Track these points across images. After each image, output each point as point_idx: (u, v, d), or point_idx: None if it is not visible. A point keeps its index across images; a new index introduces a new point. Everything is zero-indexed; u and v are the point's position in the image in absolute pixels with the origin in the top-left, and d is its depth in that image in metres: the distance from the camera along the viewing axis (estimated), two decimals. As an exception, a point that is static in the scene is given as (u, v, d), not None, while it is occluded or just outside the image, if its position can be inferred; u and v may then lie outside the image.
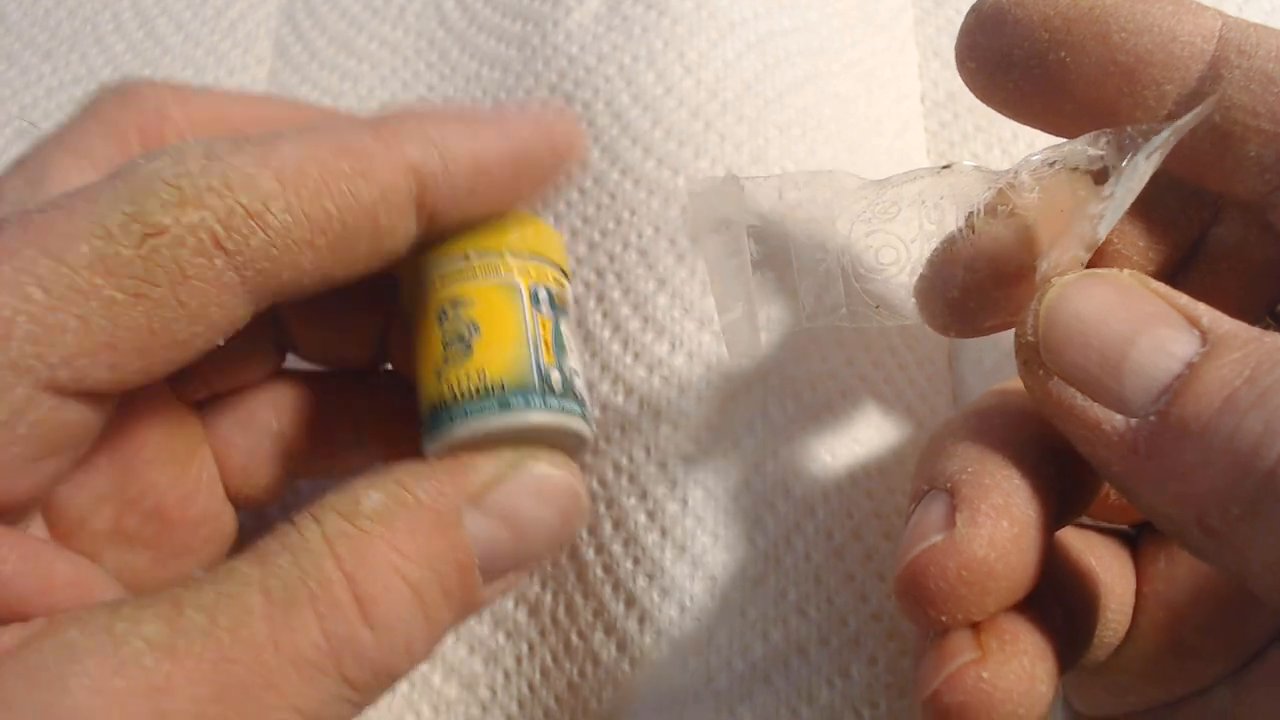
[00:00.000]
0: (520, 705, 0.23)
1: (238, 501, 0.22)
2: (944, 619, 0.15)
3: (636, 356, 0.22)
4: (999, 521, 0.15)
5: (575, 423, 0.17)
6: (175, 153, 0.16)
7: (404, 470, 0.17)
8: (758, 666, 0.20)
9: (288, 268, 0.16)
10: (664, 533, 0.21)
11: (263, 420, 0.22)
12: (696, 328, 0.22)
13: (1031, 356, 0.15)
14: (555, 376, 0.17)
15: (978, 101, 0.18)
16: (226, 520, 0.22)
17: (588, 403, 0.18)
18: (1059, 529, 0.17)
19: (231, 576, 0.15)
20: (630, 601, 0.21)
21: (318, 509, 0.16)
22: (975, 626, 0.15)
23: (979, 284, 0.16)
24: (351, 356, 0.22)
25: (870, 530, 0.21)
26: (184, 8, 0.33)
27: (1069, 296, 0.15)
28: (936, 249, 0.17)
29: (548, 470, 0.17)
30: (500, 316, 0.18)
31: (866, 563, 0.21)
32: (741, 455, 0.21)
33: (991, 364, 0.25)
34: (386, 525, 0.16)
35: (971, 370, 0.25)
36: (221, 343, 0.17)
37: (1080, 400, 0.14)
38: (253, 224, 0.15)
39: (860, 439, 0.22)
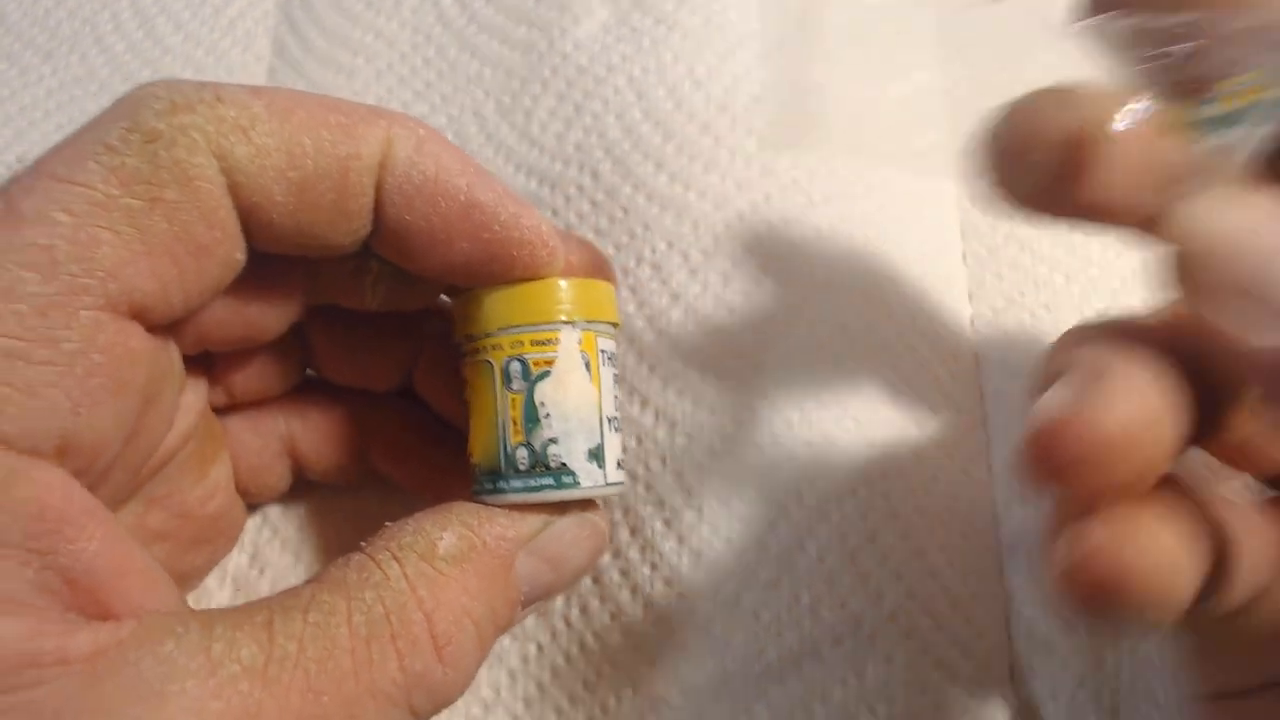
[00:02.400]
0: (527, 704, 0.24)
1: (245, 496, 0.24)
2: (1075, 490, 0.15)
3: (651, 369, 0.24)
4: (1132, 400, 0.15)
5: (541, 495, 0.19)
6: (168, 79, 0.17)
7: (467, 512, 0.18)
8: (772, 668, 0.21)
9: (262, 192, 0.17)
10: (680, 539, 0.23)
11: (273, 422, 0.23)
12: (709, 340, 0.24)
13: (1184, 270, 0.15)
14: (521, 454, 0.19)
15: (1003, 83, 0.17)
16: (237, 514, 0.24)
17: (572, 462, 0.19)
18: (1192, 444, 0.16)
19: (318, 606, 0.16)
20: (648, 605, 0.23)
21: (396, 548, 0.17)
22: (1110, 504, 0.15)
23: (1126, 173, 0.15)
24: (373, 383, 0.23)
25: (886, 531, 0.22)
26: (183, 7, 0.34)
27: (1219, 209, 0.14)
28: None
29: (582, 518, 0.20)
30: (481, 397, 0.19)
31: (882, 564, 0.22)
32: (756, 462, 0.23)
33: (1017, 363, 0.26)
34: (459, 568, 0.17)
35: (998, 370, 0.26)
36: (240, 257, 0.18)
37: (1237, 317, 0.14)
38: (239, 135, 0.17)
39: (876, 441, 0.23)
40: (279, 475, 0.24)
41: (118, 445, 0.17)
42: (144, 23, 0.34)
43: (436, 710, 0.17)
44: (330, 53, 0.32)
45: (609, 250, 0.26)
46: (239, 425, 0.23)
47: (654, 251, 0.25)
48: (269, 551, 0.26)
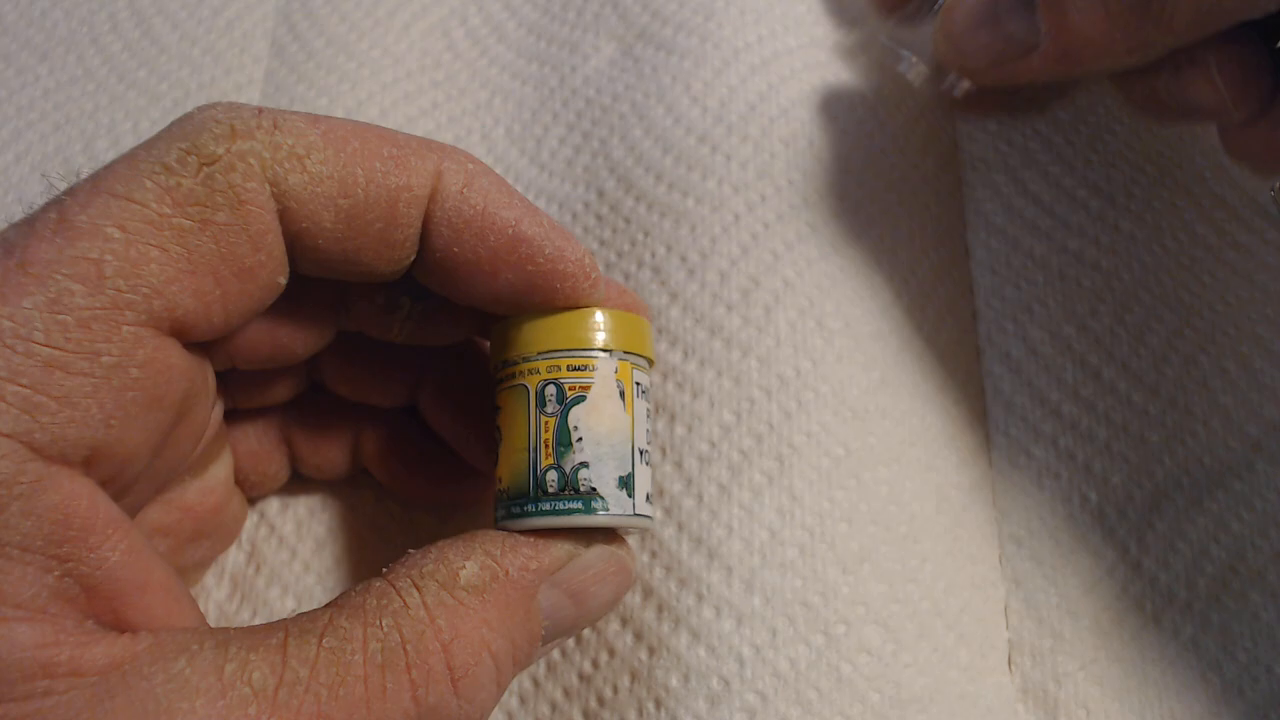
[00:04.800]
0: (521, 700, 0.25)
1: (243, 488, 0.25)
2: None
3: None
4: None
5: (568, 520, 0.19)
6: (228, 103, 0.18)
7: (490, 541, 0.19)
8: (775, 653, 0.23)
9: (312, 218, 0.18)
10: (680, 527, 0.24)
11: (271, 420, 0.24)
12: (708, 336, 0.26)
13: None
14: (551, 477, 0.19)
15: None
16: (237, 508, 0.25)
17: (602, 488, 0.19)
18: None
19: (334, 631, 0.17)
20: (647, 593, 0.24)
21: (417, 575, 0.18)
22: None
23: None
24: (377, 400, 0.24)
25: (889, 518, 0.24)
26: (180, 7, 0.35)
27: None
28: None
29: (610, 552, 0.20)
30: (513, 421, 0.20)
31: (878, 552, 0.24)
32: (758, 454, 0.24)
33: (1021, 359, 0.28)
34: (480, 598, 0.18)
35: (1002, 363, 0.28)
36: (283, 280, 0.19)
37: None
38: (295, 163, 0.17)
39: (875, 431, 0.25)
40: (277, 469, 0.25)
41: (147, 458, 0.18)
42: (141, 23, 0.35)
43: None
44: (333, 59, 0.34)
45: (610, 258, 0.28)
46: (239, 420, 0.24)
47: (653, 255, 0.26)
48: (266, 549, 0.27)
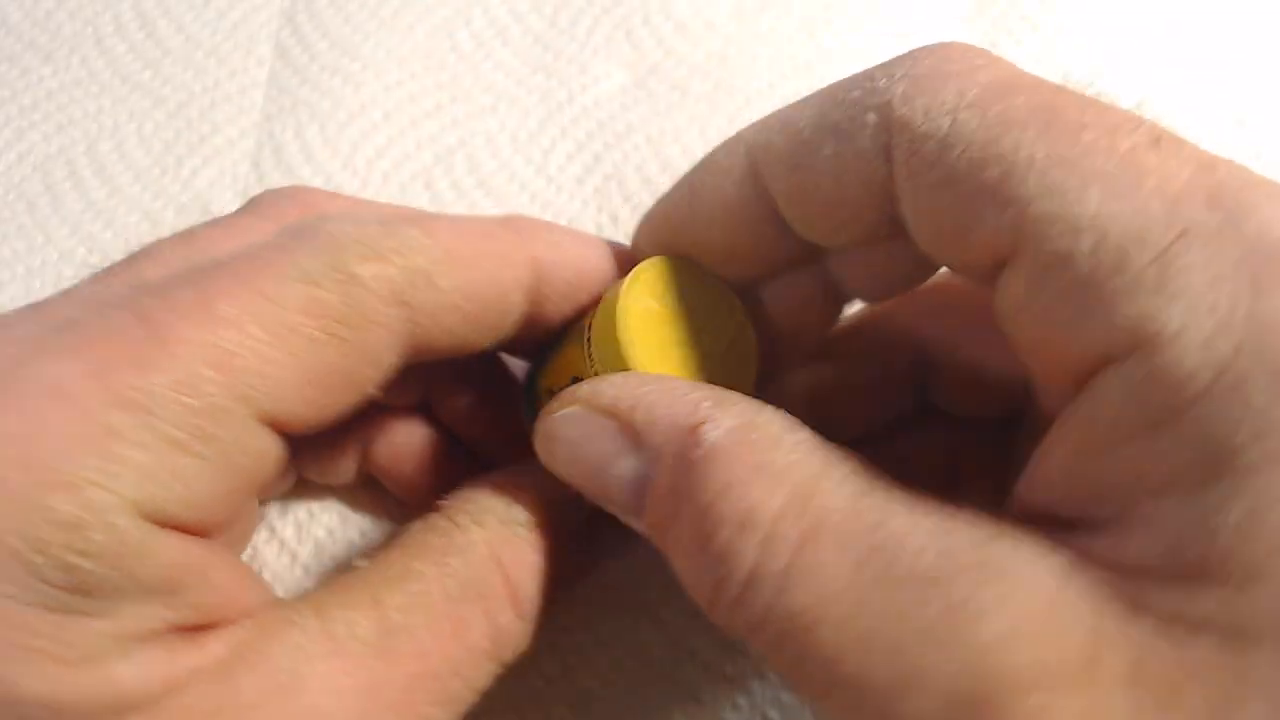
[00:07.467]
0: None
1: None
2: None
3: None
4: None
5: None
6: (352, 218, 0.19)
7: (542, 477, 0.20)
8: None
9: (439, 326, 0.19)
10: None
11: None
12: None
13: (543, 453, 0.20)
14: None
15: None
16: (254, 513, 0.25)
17: None
18: None
19: (414, 576, 0.18)
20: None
21: (477, 512, 0.20)
22: None
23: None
24: (390, 399, 0.24)
25: None
26: (185, 10, 0.35)
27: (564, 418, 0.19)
28: None
29: None
30: (575, 361, 0.21)
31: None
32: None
33: None
34: (532, 530, 0.20)
35: None
36: (374, 392, 0.19)
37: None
38: (425, 281, 0.19)
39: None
40: (287, 475, 0.26)
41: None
42: (145, 25, 0.35)
43: (515, 657, 0.19)
44: (336, 62, 0.34)
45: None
46: None
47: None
48: (267, 552, 0.27)
